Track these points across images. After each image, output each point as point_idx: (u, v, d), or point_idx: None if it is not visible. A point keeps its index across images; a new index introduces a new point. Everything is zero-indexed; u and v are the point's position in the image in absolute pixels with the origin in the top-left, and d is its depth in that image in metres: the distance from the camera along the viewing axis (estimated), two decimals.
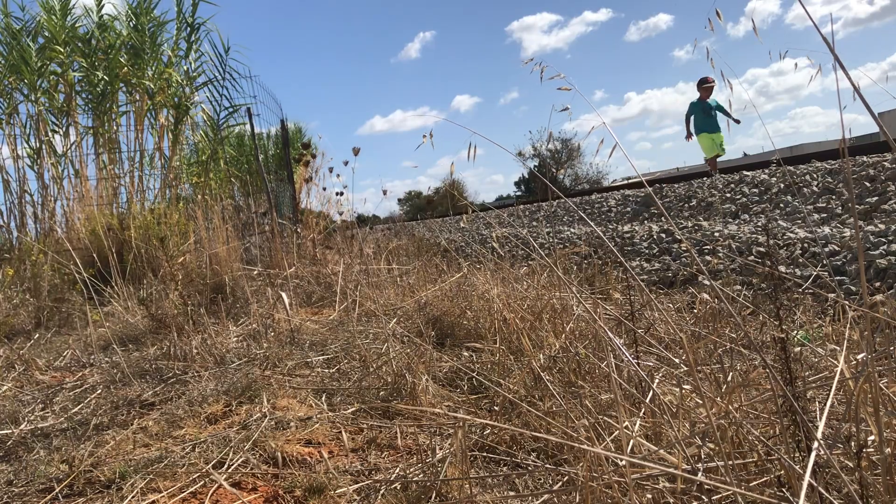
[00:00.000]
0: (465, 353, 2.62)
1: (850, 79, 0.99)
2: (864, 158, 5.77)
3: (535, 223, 11.50)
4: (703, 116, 10.04)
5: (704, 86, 10.11)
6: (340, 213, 8.27)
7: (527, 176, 41.32)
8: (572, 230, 8.57)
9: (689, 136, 10.26)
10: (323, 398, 2.13)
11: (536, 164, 39.61)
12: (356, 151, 5.53)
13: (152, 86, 7.83)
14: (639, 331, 2.82)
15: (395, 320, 3.49)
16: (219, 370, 2.40)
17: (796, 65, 2.18)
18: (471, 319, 3.09)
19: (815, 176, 5.94)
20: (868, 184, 5.16)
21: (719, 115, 10.28)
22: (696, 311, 4.37)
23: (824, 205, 5.26)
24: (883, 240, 3.98)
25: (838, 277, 3.95)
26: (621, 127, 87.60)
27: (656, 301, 4.67)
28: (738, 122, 10.04)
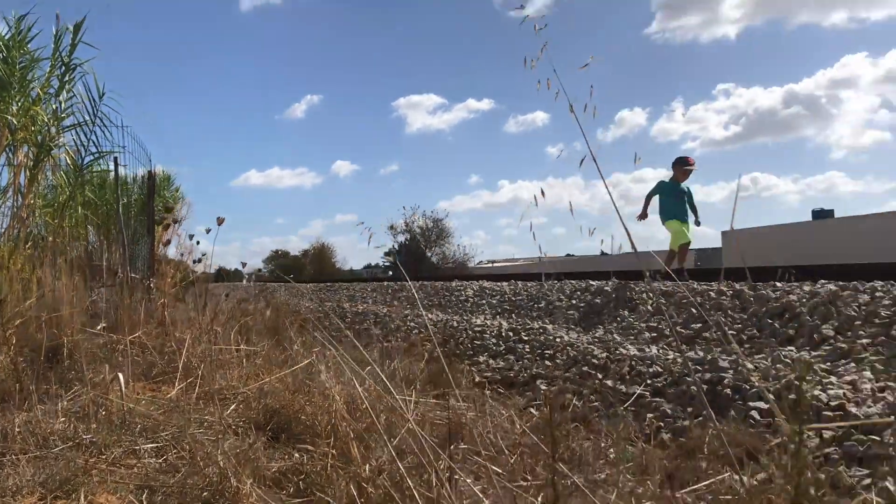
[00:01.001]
0: (296, 455, 2.68)
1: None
2: (695, 286, 6.31)
3: (396, 302, 11.67)
4: (675, 201, 8.30)
5: (685, 167, 8.36)
6: (197, 261, 8.04)
7: (397, 248, 41.76)
8: (430, 315, 8.78)
9: (643, 216, 8.47)
10: (144, 496, 2.14)
11: (407, 238, 40.18)
12: (220, 221, 5.51)
13: (15, 121, 7.53)
14: (462, 446, 2.98)
15: (233, 406, 3.50)
16: (40, 454, 2.35)
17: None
18: (309, 416, 3.16)
19: (650, 295, 6.43)
20: (694, 311, 5.65)
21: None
22: (532, 415, 4.61)
23: (655, 324, 5.70)
24: (699, 367, 4.37)
25: (658, 399, 4.29)
26: (492, 212, 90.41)
27: (494, 404, 4.87)
28: (698, 224, 8.42)
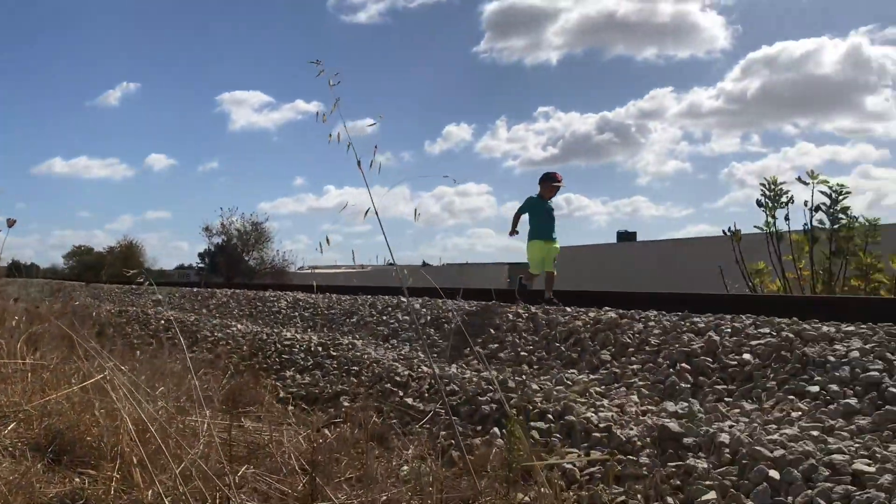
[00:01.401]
0: (77, 479, 2.62)
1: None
2: (497, 308, 6.68)
3: (205, 310, 11.34)
4: (542, 219, 7.50)
5: (553, 184, 7.52)
6: None
7: (213, 249, 40.29)
8: (240, 326, 8.65)
9: (514, 231, 7.72)
10: None
11: (224, 240, 38.87)
12: (11, 223, 5.18)
13: None
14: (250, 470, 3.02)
15: (12, 426, 3.33)
16: None
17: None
18: (95, 437, 3.08)
19: (457, 314, 6.73)
20: (493, 331, 5.98)
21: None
22: (334, 432, 4.69)
23: (455, 343, 5.98)
24: (490, 388, 4.65)
25: (453, 417, 4.52)
26: (317, 217, 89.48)
27: (293, 421, 4.92)
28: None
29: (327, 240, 2.79)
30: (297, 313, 9.11)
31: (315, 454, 3.90)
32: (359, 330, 7.54)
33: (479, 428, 4.28)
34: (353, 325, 7.78)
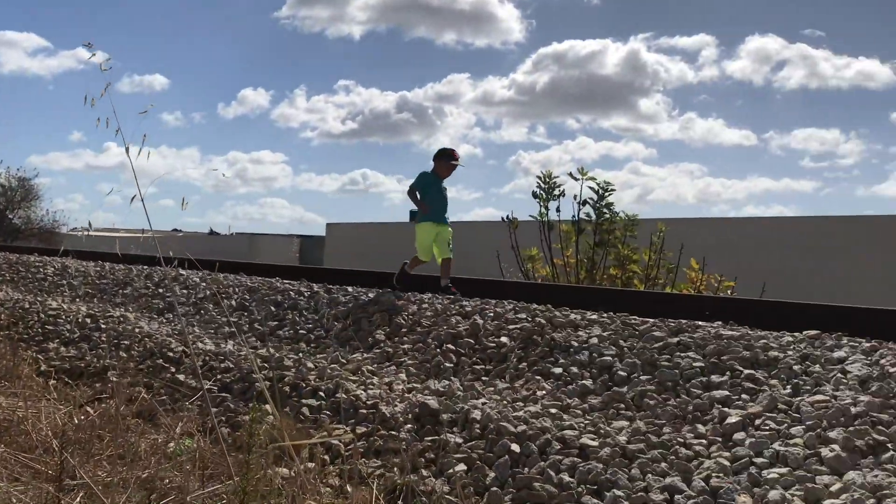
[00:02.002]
0: None
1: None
2: (277, 284, 6.71)
3: None
4: (438, 199, 6.57)
5: (451, 161, 6.60)
6: None
7: None
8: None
9: (424, 207, 6.52)
10: None
11: None
12: None
13: None
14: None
15: None
16: None
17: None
18: None
19: (237, 290, 6.68)
20: (274, 308, 6.02)
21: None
22: (97, 408, 4.53)
23: (236, 319, 5.96)
24: (266, 365, 4.71)
25: (224, 394, 4.53)
26: (95, 175, 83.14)
27: (54, 396, 4.70)
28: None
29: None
30: (65, 281, 8.57)
31: (74, 431, 3.78)
32: (132, 302, 7.25)
33: (251, 405, 4.34)
34: (126, 297, 7.46)
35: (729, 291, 9.73)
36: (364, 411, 3.91)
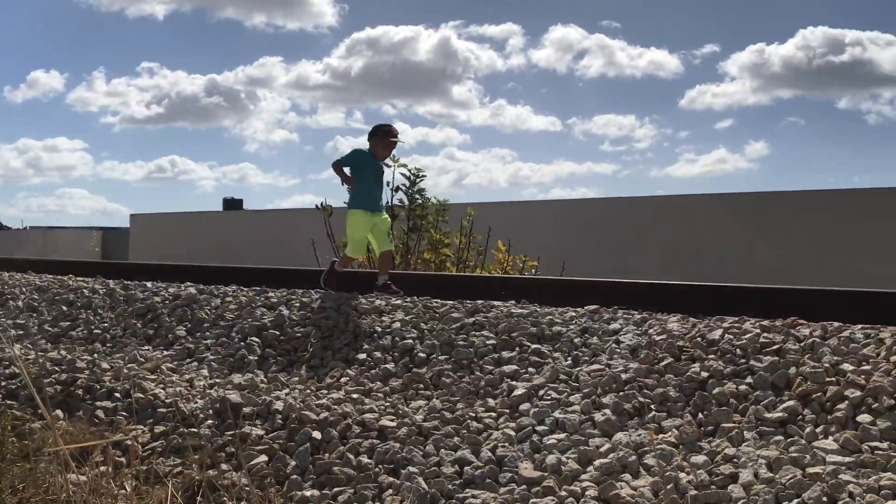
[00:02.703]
0: None
1: None
2: (70, 282, 6.33)
3: None
4: (370, 183, 5.67)
5: (390, 139, 5.70)
6: None
7: None
8: None
9: (349, 179, 5.62)
10: None
11: None
12: None
13: None
14: None
15: None
16: None
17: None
18: None
19: (24, 290, 6.23)
20: (66, 308, 5.69)
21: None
22: None
23: (24, 321, 5.57)
24: (58, 368, 4.45)
25: (10, 401, 4.24)
26: None
27: None
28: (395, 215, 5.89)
29: None
30: None
31: None
32: None
33: (39, 411, 4.10)
34: None
35: (533, 271, 10.30)
36: (163, 410, 3.81)
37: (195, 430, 3.56)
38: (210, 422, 3.61)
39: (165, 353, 4.69)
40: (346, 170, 5.59)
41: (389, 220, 5.90)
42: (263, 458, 3.28)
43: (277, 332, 4.63)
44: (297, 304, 4.98)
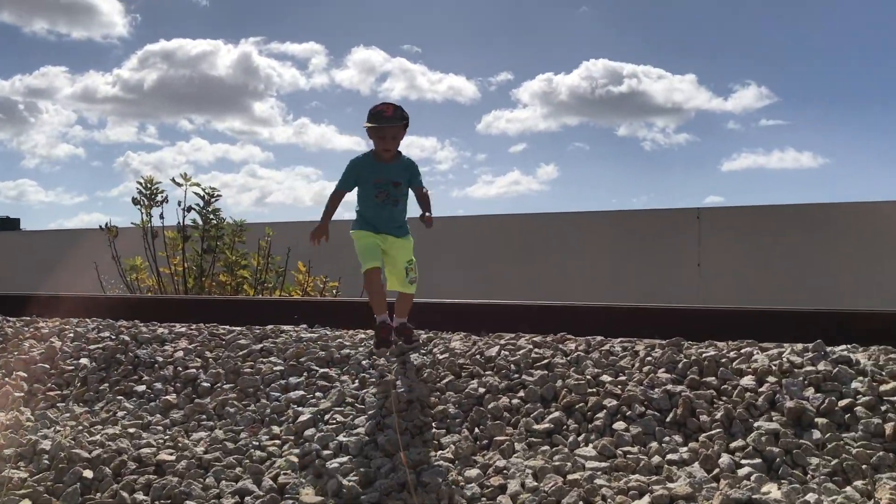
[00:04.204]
0: None
1: None
2: None
3: None
4: (379, 194, 4.10)
5: (381, 125, 4.04)
6: None
7: None
8: None
9: (320, 233, 4.11)
10: None
11: None
12: None
13: None
14: None
15: None
16: None
17: None
18: None
19: None
20: None
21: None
22: None
23: None
24: None
25: None
26: None
27: None
28: (429, 223, 4.08)
29: None
30: None
31: None
32: None
33: None
34: None
35: (335, 292, 10.30)
36: None
37: None
38: None
39: None
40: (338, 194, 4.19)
41: (411, 247, 4.22)
42: (27, 502, 3.05)
43: (48, 366, 4.32)
44: (71, 335, 4.68)
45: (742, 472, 2.81)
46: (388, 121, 4.01)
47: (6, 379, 4.21)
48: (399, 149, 4.16)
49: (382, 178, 4.08)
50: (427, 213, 4.09)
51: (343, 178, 4.14)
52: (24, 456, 3.35)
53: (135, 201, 9.92)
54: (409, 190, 4.17)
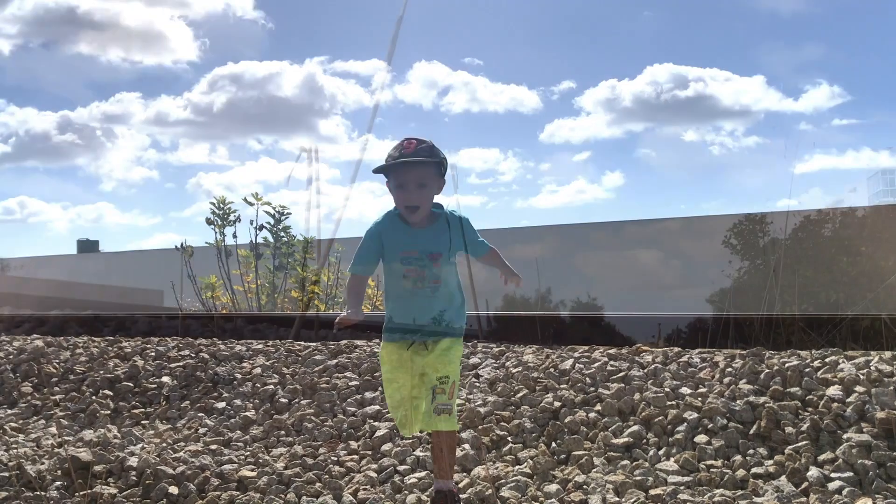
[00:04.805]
0: None
1: None
2: None
3: None
4: (414, 279, 2.76)
5: (407, 166, 2.69)
6: None
7: None
8: None
9: (350, 319, 2.72)
10: None
11: None
12: None
13: None
14: None
15: None
16: None
17: None
18: None
19: None
20: None
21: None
22: None
23: None
24: None
25: None
26: None
27: None
28: (518, 283, 2.92)
29: None
30: None
31: None
32: None
33: None
34: None
35: None
36: (6, 474, 3.58)
37: (42, 493, 3.38)
38: (58, 483, 3.43)
39: (9, 412, 4.41)
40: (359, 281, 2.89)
41: (457, 352, 2.83)
42: None
43: (131, 384, 4.46)
44: (153, 353, 4.82)
45: (832, 486, 2.71)
46: (408, 158, 2.68)
47: (94, 397, 4.36)
48: (439, 201, 2.81)
49: (412, 248, 2.74)
50: (511, 275, 2.93)
51: (358, 255, 2.81)
52: (113, 472, 3.46)
53: (209, 221, 10.19)
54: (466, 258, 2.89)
